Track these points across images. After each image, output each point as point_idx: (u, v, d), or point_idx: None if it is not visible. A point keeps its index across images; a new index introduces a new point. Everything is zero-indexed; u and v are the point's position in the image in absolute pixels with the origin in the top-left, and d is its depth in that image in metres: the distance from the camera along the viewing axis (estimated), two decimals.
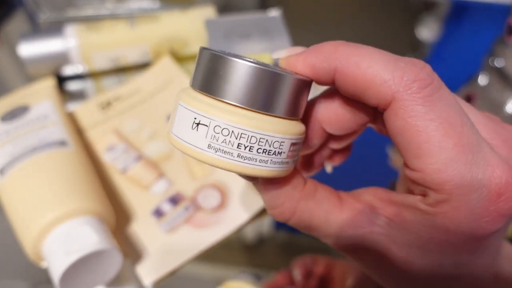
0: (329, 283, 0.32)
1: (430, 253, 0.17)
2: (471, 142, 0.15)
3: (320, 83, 0.18)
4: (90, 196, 0.31)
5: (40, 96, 0.39)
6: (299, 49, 0.20)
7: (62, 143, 0.35)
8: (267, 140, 0.16)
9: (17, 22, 0.53)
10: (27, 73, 0.42)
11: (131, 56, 0.43)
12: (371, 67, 0.16)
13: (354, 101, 0.18)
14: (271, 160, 0.17)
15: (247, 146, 0.16)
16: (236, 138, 0.16)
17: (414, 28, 0.54)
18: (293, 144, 0.17)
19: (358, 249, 0.18)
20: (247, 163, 0.16)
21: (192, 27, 0.43)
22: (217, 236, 0.34)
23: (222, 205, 0.36)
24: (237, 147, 0.16)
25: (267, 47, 0.38)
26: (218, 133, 0.16)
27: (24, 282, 0.35)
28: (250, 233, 0.39)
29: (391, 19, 0.58)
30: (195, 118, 0.16)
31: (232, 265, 0.37)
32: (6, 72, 0.50)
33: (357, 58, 0.16)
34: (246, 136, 0.16)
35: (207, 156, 0.16)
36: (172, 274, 0.33)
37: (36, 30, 0.50)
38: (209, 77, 0.17)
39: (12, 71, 0.50)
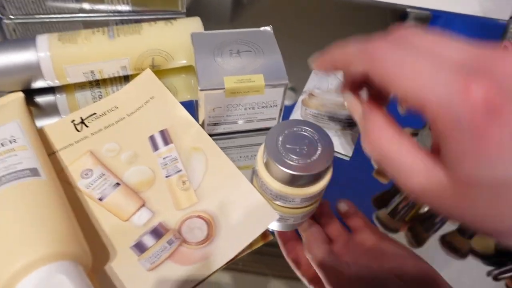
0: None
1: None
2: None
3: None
4: (65, 237, 0.28)
5: (6, 115, 0.35)
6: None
7: (32, 172, 0.31)
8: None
9: None
10: None
11: (109, 70, 0.39)
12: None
13: None
14: None
15: None
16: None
17: None
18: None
19: None
20: None
21: (176, 40, 0.40)
22: (203, 274, 0.32)
23: (208, 238, 0.33)
24: None
25: (259, 65, 0.36)
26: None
27: None
28: None
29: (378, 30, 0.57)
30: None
31: None
32: None
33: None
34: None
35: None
36: None
37: (1, 35, 0.46)
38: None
39: None
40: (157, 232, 0.33)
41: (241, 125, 0.38)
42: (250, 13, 0.54)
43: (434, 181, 0.20)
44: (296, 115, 0.42)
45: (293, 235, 0.36)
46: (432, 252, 0.35)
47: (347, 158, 0.39)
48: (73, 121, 0.38)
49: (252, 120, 0.38)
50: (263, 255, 0.35)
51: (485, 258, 0.37)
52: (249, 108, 0.36)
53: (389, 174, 0.23)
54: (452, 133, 0.19)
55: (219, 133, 0.39)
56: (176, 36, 0.40)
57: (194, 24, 0.40)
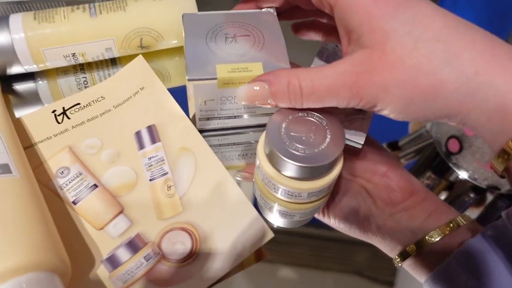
0: None
1: None
2: None
3: None
4: (40, 244, 0.24)
5: None
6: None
7: (2, 169, 0.27)
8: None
9: None
10: None
11: (93, 53, 0.34)
12: None
13: None
14: None
15: None
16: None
17: None
18: None
19: None
20: None
21: (166, 18, 0.35)
22: None
23: (192, 254, 0.29)
24: None
25: (258, 52, 0.30)
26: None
27: None
28: None
29: None
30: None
31: None
32: None
33: None
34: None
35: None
36: None
37: None
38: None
39: None
40: (134, 245, 0.29)
41: (237, 120, 0.33)
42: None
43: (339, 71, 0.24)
44: None
45: None
46: None
47: (359, 146, 0.32)
48: (54, 111, 0.34)
49: (250, 114, 0.32)
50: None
51: None
52: None
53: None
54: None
55: (212, 129, 0.34)
56: (166, 13, 0.34)
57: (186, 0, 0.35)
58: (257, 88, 0.26)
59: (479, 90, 0.21)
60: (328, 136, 0.26)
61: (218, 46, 0.30)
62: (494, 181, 0.36)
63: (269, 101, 0.26)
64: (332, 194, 0.31)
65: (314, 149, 0.25)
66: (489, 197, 0.37)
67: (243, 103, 0.30)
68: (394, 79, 0.22)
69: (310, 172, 0.26)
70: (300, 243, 0.33)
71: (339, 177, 0.30)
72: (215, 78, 0.29)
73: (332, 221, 0.31)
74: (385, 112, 0.24)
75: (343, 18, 0.24)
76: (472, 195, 0.38)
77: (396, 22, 0.22)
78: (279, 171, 0.26)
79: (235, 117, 0.32)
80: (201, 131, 0.33)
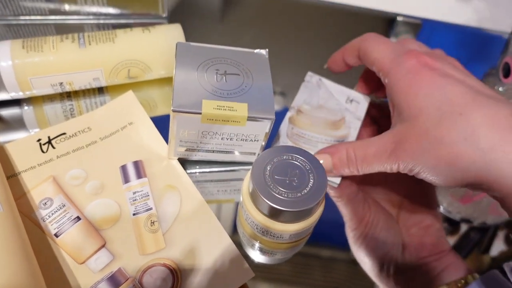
0: None
1: None
2: None
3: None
4: (20, 277, 0.25)
5: None
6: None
7: None
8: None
9: None
10: None
11: (80, 82, 0.35)
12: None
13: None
14: None
15: None
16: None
17: None
18: None
19: None
20: None
21: (154, 49, 0.35)
22: None
23: None
24: None
25: (245, 92, 0.31)
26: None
27: None
28: None
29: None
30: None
31: None
32: None
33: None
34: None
35: None
36: None
37: None
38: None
39: None
40: (115, 280, 0.29)
41: (216, 155, 0.33)
42: (241, 13, 0.49)
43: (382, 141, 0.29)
44: (282, 134, 0.36)
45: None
46: None
47: (335, 185, 0.34)
48: (39, 140, 0.34)
49: (230, 152, 0.33)
50: None
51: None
52: (227, 139, 0.31)
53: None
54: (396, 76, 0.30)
55: (195, 161, 0.34)
56: (154, 45, 0.35)
57: (174, 31, 0.35)
58: (322, 161, 0.32)
59: (495, 165, 0.23)
60: (311, 180, 0.27)
61: (208, 80, 0.30)
62: (468, 215, 0.38)
63: (331, 170, 0.32)
64: (373, 224, 0.33)
65: (297, 193, 0.26)
66: (463, 227, 0.39)
67: (222, 139, 0.31)
68: (421, 148, 0.26)
69: (293, 216, 0.26)
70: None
71: (385, 210, 0.35)
72: (200, 113, 0.29)
73: (357, 243, 0.33)
74: (422, 176, 0.27)
75: (390, 94, 0.30)
76: (447, 226, 0.39)
77: (429, 100, 0.26)
78: (262, 212, 0.27)
79: (213, 151, 0.33)
80: (185, 168, 0.34)
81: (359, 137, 0.37)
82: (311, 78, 0.39)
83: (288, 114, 0.37)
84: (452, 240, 0.38)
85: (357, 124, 0.37)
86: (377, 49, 0.32)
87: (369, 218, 0.33)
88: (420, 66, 0.28)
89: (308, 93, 0.38)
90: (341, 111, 0.38)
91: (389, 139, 0.28)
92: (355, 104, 0.38)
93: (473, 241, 0.38)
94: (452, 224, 0.39)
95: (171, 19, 0.43)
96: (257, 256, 0.32)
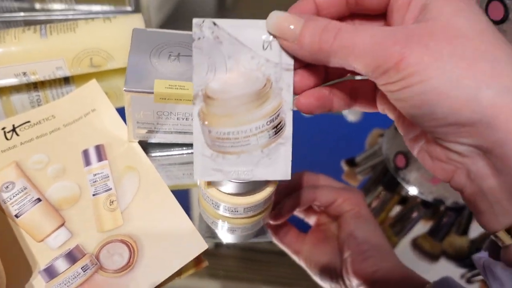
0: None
1: None
2: None
3: None
4: None
5: None
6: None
7: None
8: None
9: None
10: None
11: (44, 72, 0.36)
12: None
13: None
14: None
15: None
16: None
17: None
18: None
19: None
20: None
21: (115, 38, 0.36)
22: None
23: (129, 265, 0.30)
24: None
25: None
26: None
27: None
28: None
29: None
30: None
31: None
32: None
33: None
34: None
35: None
36: None
37: None
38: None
39: None
40: (72, 256, 0.30)
41: (175, 136, 0.34)
42: (237, 17, 0.51)
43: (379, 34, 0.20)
44: (198, 150, 0.24)
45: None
46: (403, 256, 0.32)
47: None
48: (3, 128, 0.35)
49: (188, 132, 0.34)
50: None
51: (458, 260, 0.36)
52: (182, 119, 0.32)
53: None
54: None
55: (158, 144, 0.35)
56: (115, 34, 0.36)
57: (136, 21, 0.37)
58: (292, 18, 0.22)
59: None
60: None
61: (161, 62, 0.32)
62: (439, 195, 0.38)
63: (292, 40, 0.22)
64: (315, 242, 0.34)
65: None
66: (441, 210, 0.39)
67: (178, 120, 0.32)
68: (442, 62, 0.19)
69: (245, 187, 0.27)
70: (280, 262, 0.34)
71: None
72: (152, 92, 0.30)
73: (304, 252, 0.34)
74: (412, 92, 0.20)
75: None
76: (422, 209, 0.39)
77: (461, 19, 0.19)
78: (214, 186, 0.28)
79: (171, 132, 0.34)
80: (146, 151, 0.35)
81: (298, 101, 0.24)
82: (202, 29, 0.23)
83: (196, 109, 0.23)
84: (428, 224, 0.38)
85: (288, 78, 0.23)
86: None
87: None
88: None
89: (206, 59, 0.23)
90: (261, 67, 0.23)
91: (400, 30, 0.20)
92: (275, 45, 0.23)
93: (447, 224, 0.38)
94: (427, 207, 0.39)
95: (167, 26, 0.44)
96: (223, 235, 0.33)
